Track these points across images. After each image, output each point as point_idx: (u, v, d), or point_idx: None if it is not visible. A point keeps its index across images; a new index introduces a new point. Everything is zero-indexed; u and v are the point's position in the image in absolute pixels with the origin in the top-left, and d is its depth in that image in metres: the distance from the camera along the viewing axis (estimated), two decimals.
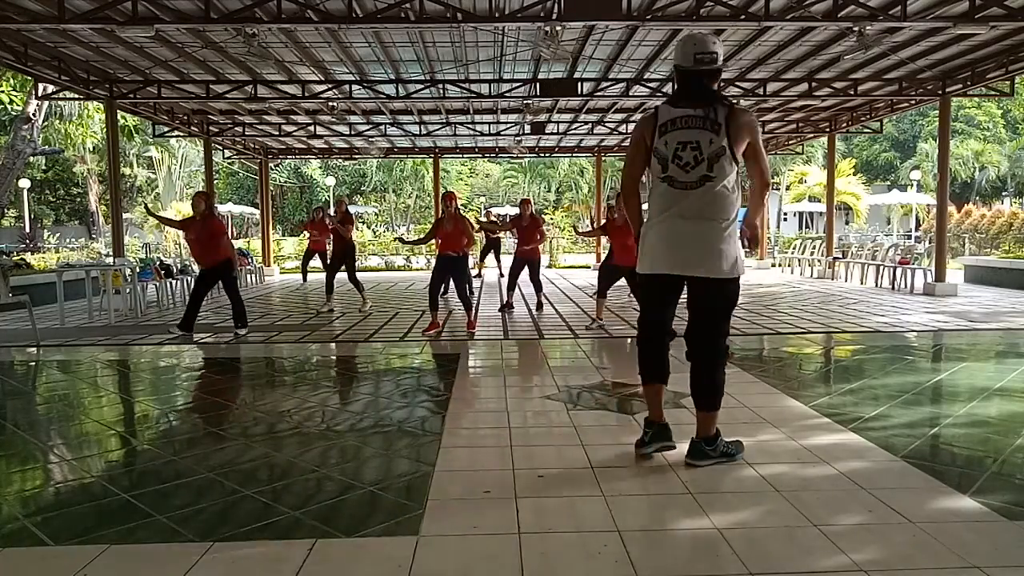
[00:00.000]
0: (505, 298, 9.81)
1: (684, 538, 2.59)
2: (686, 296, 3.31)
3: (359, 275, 10.43)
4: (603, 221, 8.73)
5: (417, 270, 19.59)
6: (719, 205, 3.12)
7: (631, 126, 16.75)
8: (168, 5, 8.14)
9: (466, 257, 7.97)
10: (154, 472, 3.46)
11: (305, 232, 14.95)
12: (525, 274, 9.44)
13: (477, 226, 14.14)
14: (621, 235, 7.89)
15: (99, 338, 7.83)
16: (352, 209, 31.19)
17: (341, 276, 10.25)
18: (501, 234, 15.54)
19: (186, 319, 7.81)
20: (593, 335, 7.71)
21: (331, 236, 10.27)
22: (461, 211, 8.03)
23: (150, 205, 8.63)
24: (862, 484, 3.05)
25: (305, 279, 15.02)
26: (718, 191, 3.11)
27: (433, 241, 8.13)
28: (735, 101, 3.32)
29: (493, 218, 16.63)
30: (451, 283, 8.07)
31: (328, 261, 10.32)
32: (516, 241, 9.50)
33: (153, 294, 11.34)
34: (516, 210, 9.62)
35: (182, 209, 24.94)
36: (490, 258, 15.86)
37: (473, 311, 8.23)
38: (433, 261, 8.34)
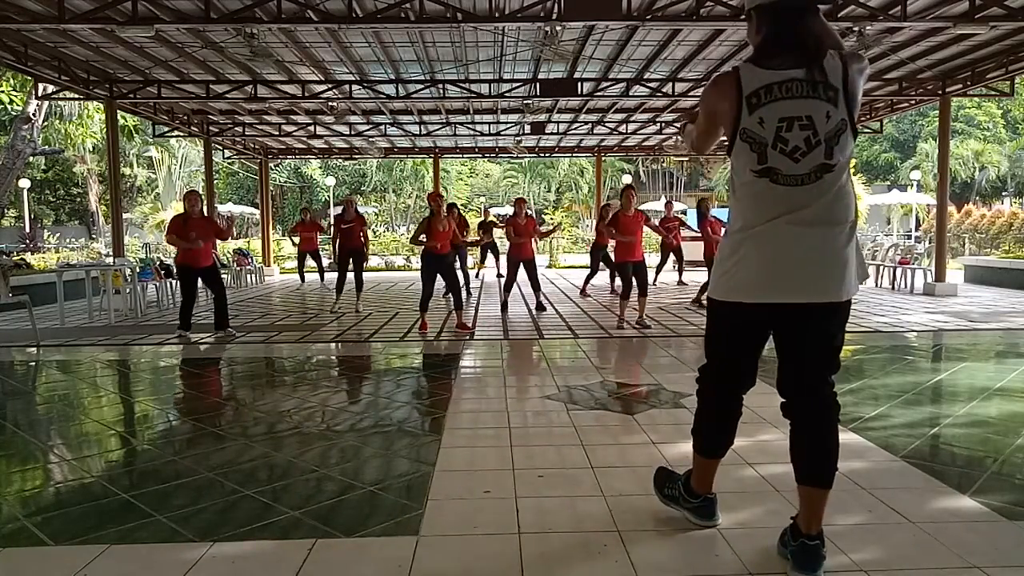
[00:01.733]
0: (502, 297, 9.83)
1: (684, 538, 2.59)
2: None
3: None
4: (612, 214, 8.70)
5: (417, 270, 19.55)
6: (843, 203, 2.21)
7: (631, 126, 16.87)
8: (168, 5, 8.14)
9: (450, 254, 8.00)
10: (154, 472, 3.46)
11: (295, 236, 14.81)
12: (523, 274, 9.45)
13: (478, 228, 14.18)
14: (631, 227, 7.93)
15: (99, 338, 7.83)
16: None
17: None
18: (499, 233, 15.57)
19: (187, 320, 7.77)
20: (593, 335, 7.70)
21: (329, 234, 10.22)
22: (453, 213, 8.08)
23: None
24: (862, 484, 3.05)
25: (303, 280, 15.01)
26: (840, 184, 2.20)
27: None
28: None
29: (492, 218, 16.64)
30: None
31: (335, 260, 10.29)
32: (509, 242, 9.49)
33: (153, 294, 11.35)
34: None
35: (182, 209, 24.90)
36: (488, 258, 15.84)
37: (463, 311, 8.23)
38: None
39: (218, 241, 8.28)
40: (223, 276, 13.99)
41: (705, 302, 2.62)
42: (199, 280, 7.77)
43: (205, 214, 8.18)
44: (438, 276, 7.96)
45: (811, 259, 2.21)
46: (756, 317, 2.32)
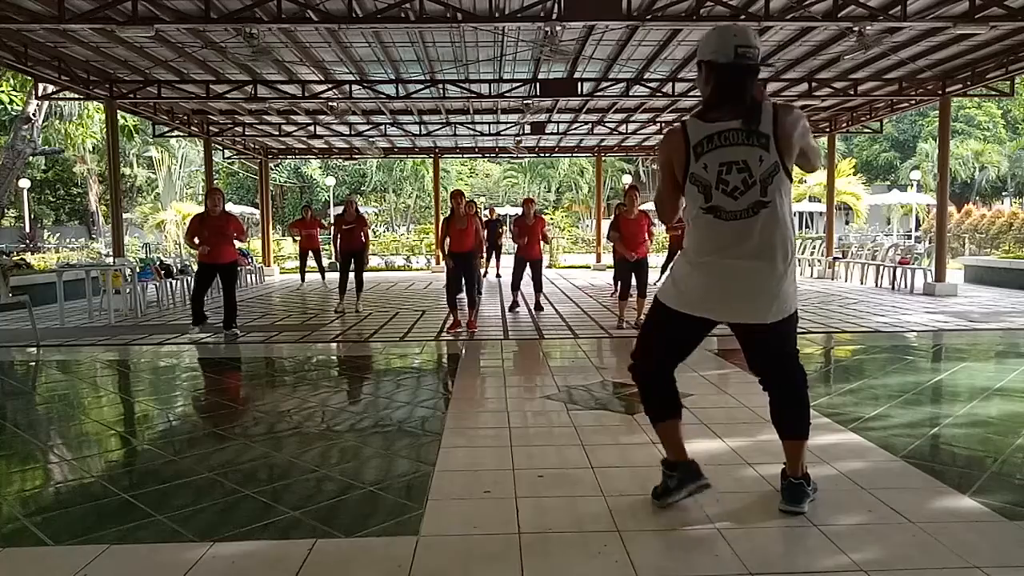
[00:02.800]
0: (511, 297, 9.84)
1: (684, 538, 2.59)
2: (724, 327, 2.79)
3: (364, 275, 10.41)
4: (614, 216, 8.69)
5: (417, 270, 19.58)
6: (779, 238, 2.58)
7: (631, 126, 16.85)
8: (168, 5, 8.14)
9: (474, 254, 7.99)
10: (154, 472, 3.46)
11: (295, 233, 14.80)
12: (527, 274, 9.45)
13: (485, 226, 14.18)
14: (632, 228, 7.89)
15: (99, 338, 7.83)
16: None
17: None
18: (504, 232, 15.59)
19: (197, 314, 7.77)
20: (593, 335, 7.70)
21: (329, 232, 10.23)
22: (472, 209, 8.04)
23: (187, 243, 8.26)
24: (862, 484, 3.05)
25: (303, 279, 14.98)
26: (777, 220, 2.58)
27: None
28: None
29: (494, 216, 16.65)
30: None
31: (335, 259, 10.27)
32: (517, 242, 9.50)
33: (153, 294, 11.34)
34: (517, 210, 9.62)
35: (183, 209, 24.98)
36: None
37: (475, 311, 8.24)
38: (433, 261, 8.29)
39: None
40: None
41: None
42: (216, 276, 7.76)
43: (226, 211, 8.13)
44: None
45: (745, 290, 2.60)
46: (692, 323, 2.71)
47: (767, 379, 2.80)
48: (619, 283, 8.17)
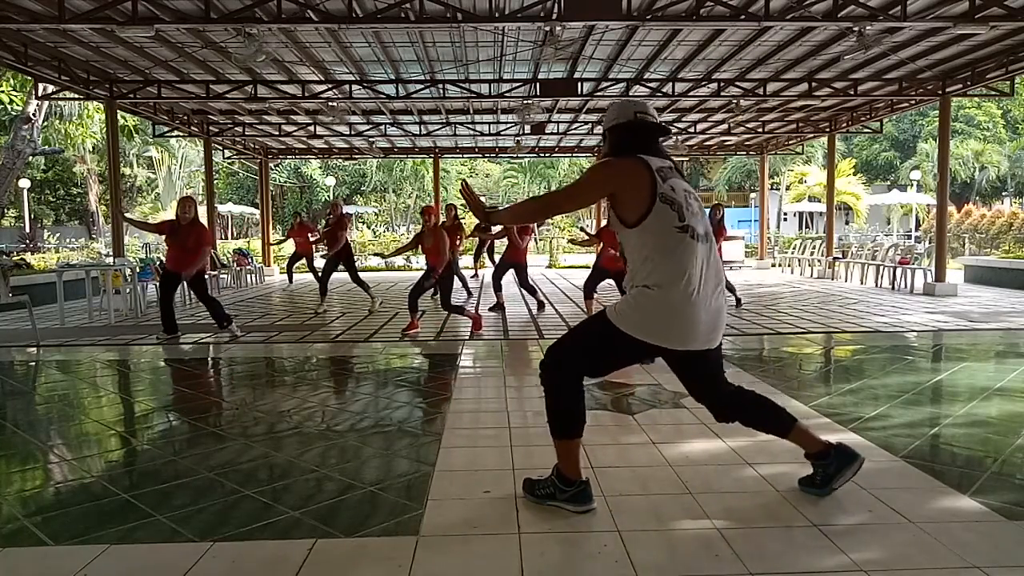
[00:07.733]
0: (495, 299, 9.82)
1: (684, 538, 2.59)
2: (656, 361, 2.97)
3: (361, 275, 10.43)
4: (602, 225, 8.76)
5: (418, 270, 19.55)
6: (720, 264, 2.81)
7: None
8: (168, 5, 8.14)
9: (436, 269, 7.98)
10: (154, 472, 3.46)
11: (291, 238, 14.98)
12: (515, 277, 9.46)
13: (468, 233, 14.18)
14: (614, 237, 7.87)
15: (99, 338, 7.83)
16: (352, 209, 31.27)
17: (337, 277, 10.26)
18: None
19: (167, 323, 7.65)
20: None
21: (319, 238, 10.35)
22: (443, 223, 8.20)
23: (128, 214, 8.44)
24: (862, 484, 3.04)
25: (291, 281, 15.02)
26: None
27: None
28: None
29: None
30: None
31: (324, 263, 10.32)
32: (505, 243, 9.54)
33: (153, 294, 11.33)
34: None
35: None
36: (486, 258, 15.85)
37: (467, 312, 8.24)
38: (424, 262, 8.35)
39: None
40: (223, 276, 14.15)
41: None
42: (183, 286, 7.70)
43: (200, 218, 8.06)
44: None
45: (720, 318, 2.72)
46: (648, 349, 2.72)
47: (717, 405, 2.89)
48: (591, 283, 8.25)
